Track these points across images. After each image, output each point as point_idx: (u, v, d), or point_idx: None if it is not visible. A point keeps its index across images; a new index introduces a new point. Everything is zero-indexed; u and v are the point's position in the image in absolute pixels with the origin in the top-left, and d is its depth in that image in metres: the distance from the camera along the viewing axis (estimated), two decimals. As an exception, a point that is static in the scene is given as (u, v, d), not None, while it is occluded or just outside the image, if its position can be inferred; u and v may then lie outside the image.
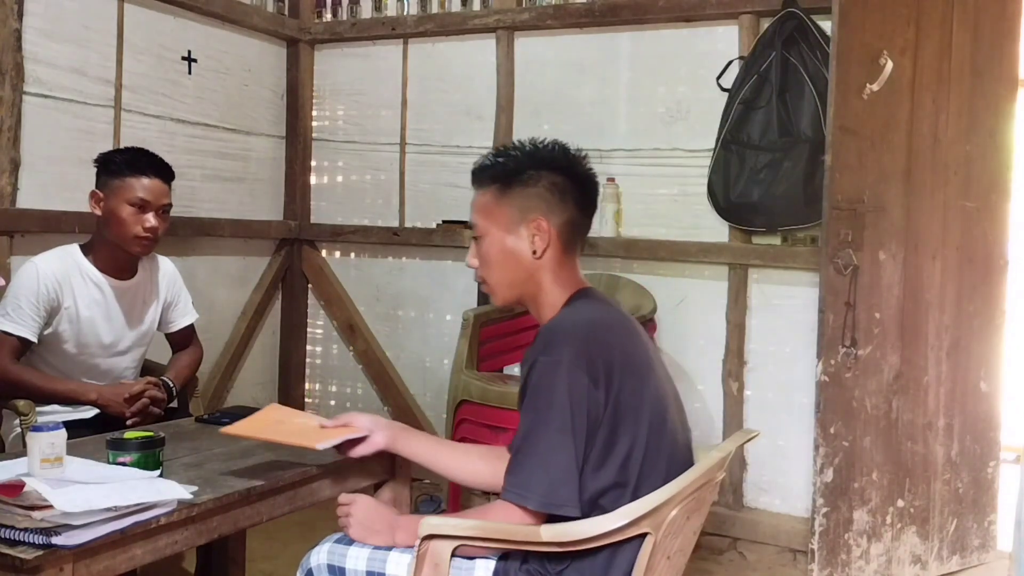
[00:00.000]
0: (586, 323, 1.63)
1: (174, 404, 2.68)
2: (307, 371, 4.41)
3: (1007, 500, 3.23)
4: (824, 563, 2.91)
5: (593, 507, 1.57)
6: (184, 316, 2.84)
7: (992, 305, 3.18)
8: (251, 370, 4.19)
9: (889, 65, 2.89)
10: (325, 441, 1.80)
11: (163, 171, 2.59)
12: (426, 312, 4.13)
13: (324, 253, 4.37)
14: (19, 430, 2.47)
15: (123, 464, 1.76)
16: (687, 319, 3.58)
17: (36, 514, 1.48)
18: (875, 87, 2.89)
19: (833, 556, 2.93)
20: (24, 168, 3.09)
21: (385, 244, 4.20)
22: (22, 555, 1.40)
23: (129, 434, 1.86)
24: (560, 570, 1.56)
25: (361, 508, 1.68)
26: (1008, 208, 3.20)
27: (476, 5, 3.96)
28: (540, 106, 3.86)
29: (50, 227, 3.11)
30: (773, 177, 3.29)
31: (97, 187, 2.56)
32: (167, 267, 2.79)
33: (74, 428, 2.07)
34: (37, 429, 1.70)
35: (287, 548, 3.14)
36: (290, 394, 4.33)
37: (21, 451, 1.96)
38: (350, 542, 1.67)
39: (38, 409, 2.44)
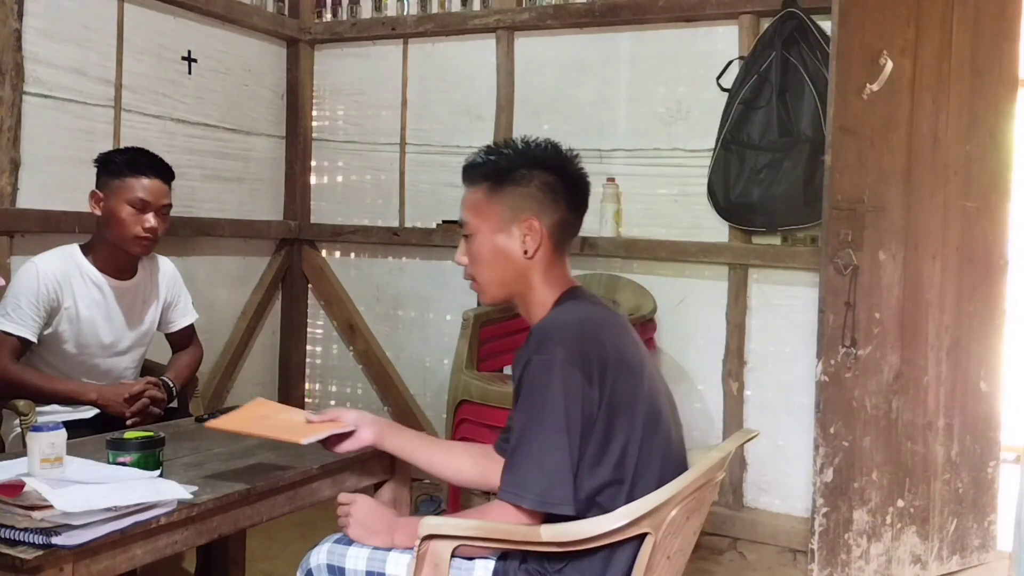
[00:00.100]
0: (578, 321, 1.63)
1: (174, 404, 2.69)
2: (307, 371, 4.41)
3: (1007, 500, 3.23)
4: (824, 563, 2.91)
5: (590, 505, 1.57)
6: (184, 316, 2.84)
7: (992, 305, 3.18)
8: (251, 370, 4.19)
9: (889, 65, 2.90)
10: (311, 436, 1.77)
11: (163, 171, 2.58)
12: (426, 312, 4.13)
13: (324, 253, 4.37)
14: (19, 430, 2.47)
15: (123, 464, 1.76)
16: (687, 319, 3.58)
17: (36, 514, 1.48)
18: (875, 87, 2.89)
19: (833, 556, 2.93)
20: (24, 168, 3.09)
21: (385, 244, 4.20)
22: (22, 555, 1.40)
23: (129, 434, 1.86)
24: (559, 569, 1.56)
25: (361, 508, 1.68)
26: (1008, 208, 3.20)
27: (476, 5, 3.96)
28: (540, 106, 3.86)
29: (50, 227, 3.11)
30: (773, 177, 3.29)
31: (97, 187, 2.56)
32: (167, 267, 2.79)
33: (74, 428, 2.07)
34: (37, 429, 1.70)
35: (287, 548, 3.14)
36: (290, 394, 4.33)
37: (21, 451, 1.96)
38: (350, 542, 1.67)
39: (38, 409, 2.44)
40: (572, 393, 1.53)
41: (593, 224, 3.65)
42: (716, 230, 3.52)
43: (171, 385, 2.63)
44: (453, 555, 1.52)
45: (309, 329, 4.40)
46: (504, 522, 1.54)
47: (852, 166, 2.90)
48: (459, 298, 3.93)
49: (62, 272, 2.50)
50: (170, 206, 2.60)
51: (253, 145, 4.14)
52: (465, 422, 3.19)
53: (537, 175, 1.70)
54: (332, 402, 4.37)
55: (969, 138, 3.09)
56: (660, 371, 1.76)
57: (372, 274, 4.27)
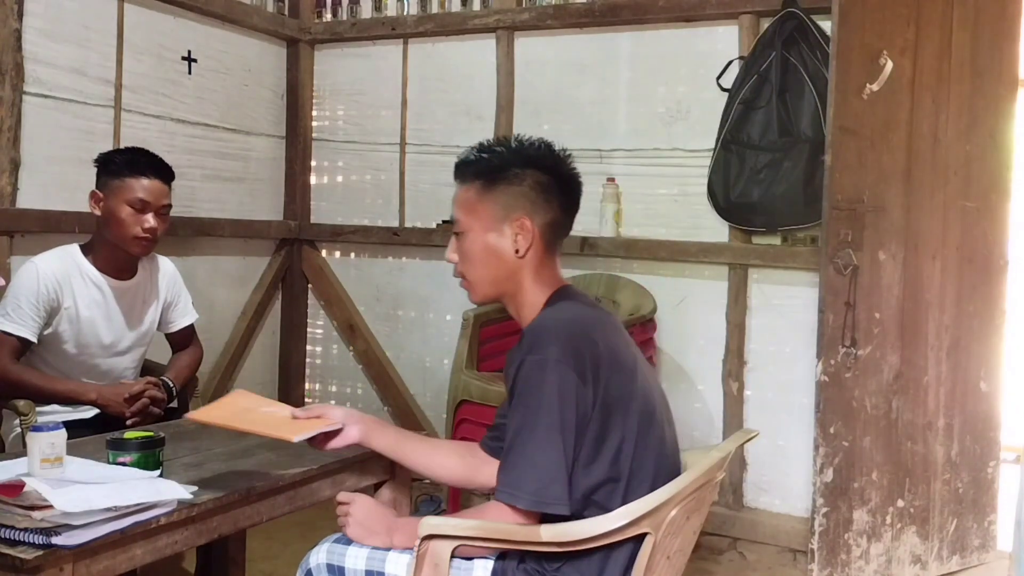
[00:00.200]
0: (570, 321, 1.63)
1: (174, 404, 2.68)
2: (307, 371, 4.41)
3: (1007, 500, 3.23)
4: (824, 563, 2.91)
5: (587, 503, 1.58)
6: (184, 316, 2.84)
7: (992, 305, 3.18)
8: (251, 370, 4.19)
9: (889, 65, 2.90)
10: (302, 434, 1.74)
11: (163, 172, 2.58)
12: (426, 312, 4.13)
13: (324, 253, 4.37)
14: (19, 430, 2.47)
15: (123, 464, 1.76)
16: (687, 319, 3.58)
17: (36, 514, 1.48)
18: (875, 87, 2.89)
19: (833, 556, 2.93)
20: (24, 168, 3.09)
21: (385, 244, 4.20)
22: (22, 555, 1.39)
23: (129, 434, 1.86)
24: (556, 568, 1.56)
25: (360, 508, 1.67)
26: (1008, 208, 3.20)
27: (476, 5, 3.96)
28: (540, 106, 3.86)
29: (50, 227, 3.11)
30: (773, 177, 3.29)
31: (97, 187, 2.56)
32: (167, 267, 2.79)
33: (74, 428, 2.07)
34: (37, 429, 1.70)
35: (287, 548, 3.14)
36: (290, 394, 4.33)
37: (21, 451, 1.96)
38: (349, 542, 1.67)
39: (38, 409, 2.44)
40: (566, 392, 1.53)
41: (593, 224, 3.65)
42: (716, 230, 3.52)
43: (171, 385, 2.63)
44: (453, 555, 1.52)
45: (309, 329, 4.40)
46: (502, 522, 1.54)
47: (852, 166, 2.90)
48: (459, 298, 3.89)
49: (62, 272, 2.50)
50: (170, 206, 2.60)
51: (253, 145, 4.14)
52: (465, 422, 3.19)
53: (530, 174, 1.69)
54: (332, 402, 4.36)
55: (969, 138, 3.09)
56: (652, 370, 1.76)
57: (372, 274, 4.27)
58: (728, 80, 3.45)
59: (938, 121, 3.04)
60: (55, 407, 2.51)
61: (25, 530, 1.43)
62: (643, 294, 3.45)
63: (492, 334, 3.41)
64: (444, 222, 3.96)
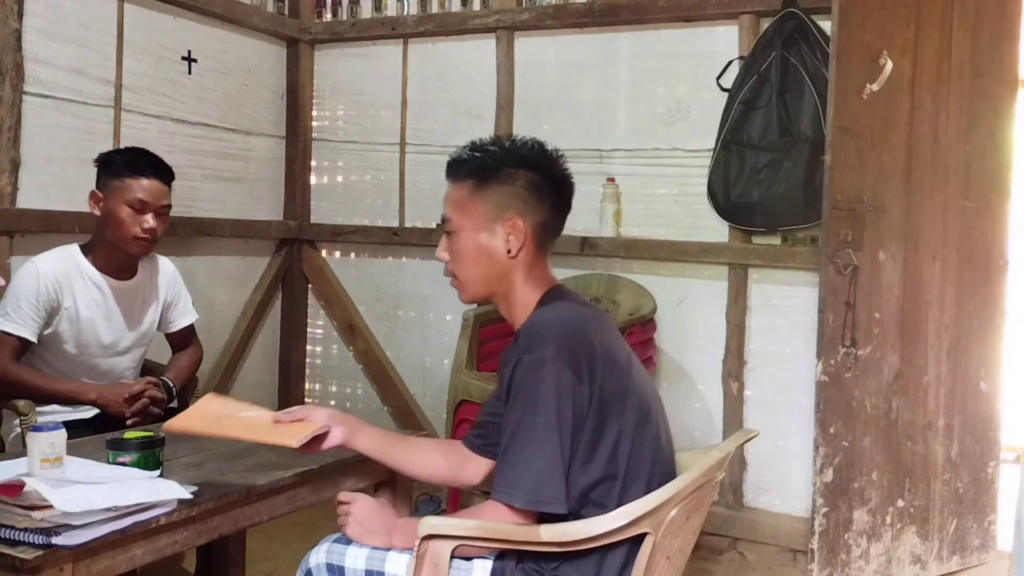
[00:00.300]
0: (566, 320, 1.63)
1: (174, 404, 2.68)
2: (307, 371, 4.41)
3: (1007, 500, 3.23)
4: (824, 563, 2.91)
5: (584, 502, 1.58)
6: (184, 316, 2.84)
7: (992, 305, 3.18)
8: (251, 370, 4.19)
9: (889, 65, 2.90)
10: (301, 437, 1.71)
11: (162, 172, 2.58)
12: (426, 312, 4.13)
13: (324, 253, 4.37)
14: (19, 430, 2.47)
15: (123, 464, 1.76)
16: (687, 319, 3.58)
17: (36, 514, 1.48)
18: (875, 87, 2.89)
19: (833, 556, 2.93)
20: (24, 168, 3.09)
21: (385, 244, 4.20)
22: (22, 555, 1.40)
23: (129, 434, 1.86)
24: (554, 567, 1.57)
25: (360, 508, 1.67)
26: (1008, 208, 3.20)
27: (476, 5, 3.96)
28: (540, 106, 3.86)
29: (50, 227, 3.11)
30: (773, 177, 3.29)
31: (97, 187, 2.56)
32: (167, 267, 2.79)
33: (74, 428, 2.07)
34: (37, 429, 1.70)
35: (287, 548, 3.14)
36: (290, 394, 4.33)
37: (21, 451, 1.97)
38: (349, 541, 1.66)
39: (38, 409, 2.44)
40: (563, 391, 1.54)
41: (593, 224, 3.65)
42: (716, 230, 3.52)
43: (171, 385, 2.64)
44: (452, 555, 1.52)
45: (309, 329, 4.40)
46: (499, 522, 1.54)
47: (852, 166, 2.90)
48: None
49: (62, 272, 2.50)
50: (169, 207, 2.60)
51: (253, 145, 4.14)
52: (465, 422, 3.18)
53: (523, 174, 1.69)
54: (332, 402, 4.36)
55: (969, 138, 3.09)
56: (645, 368, 1.77)
57: (372, 274, 4.27)
58: (728, 80, 3.45)
59: (938, 121, 3.04)
60: (55, 407, 2.51)
61: (25, 530, 1.43)
62: (643, 294, 3.45)
63: (492, 334, 3.42)
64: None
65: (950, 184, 3.07)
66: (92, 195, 2.56)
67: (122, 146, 3.26)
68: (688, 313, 3.58)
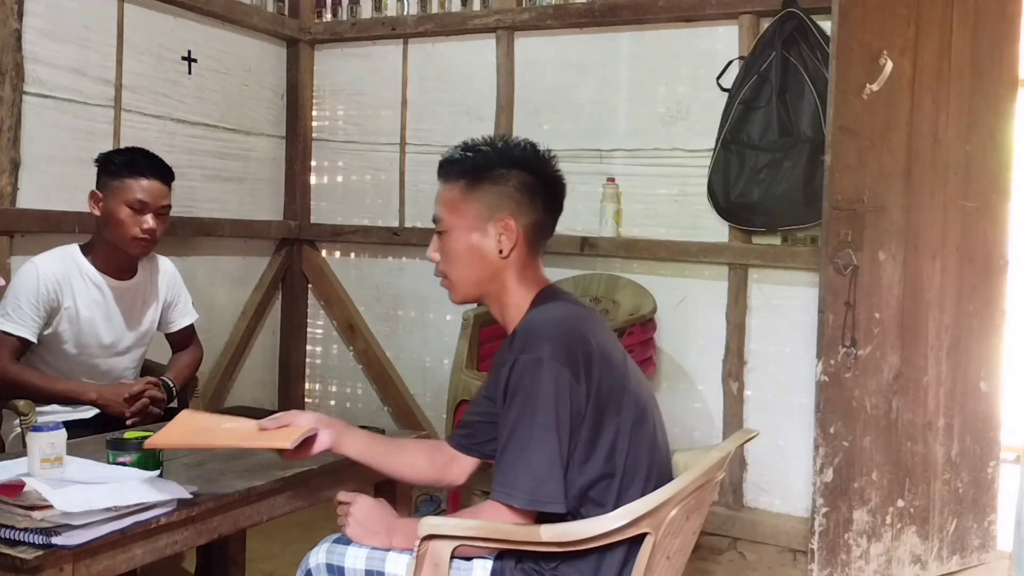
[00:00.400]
0: (562, 319, 1.63)
1: (174, 404, 2.69)
2: (307, 371, 4.41)
3: (1007, 500, 3.23)
4: (824, 563, 2.91)
5: (583, 501, 1.58)
6: (184, 316, 2.84)
7: (992, 305, 3.18)
8: (251, 370, 4.19)
9: (889, 65, 2.90)
10: (294, 438, 1.67)
11: (162, 172, 2.58)
12: (426, 312, 4.13)
13: (324, 253, 4.37)
14: (19, 430, 2.47)
15: (123, 464, 1.76)
16: (687, 319, 3.58)
17: (36, 514, 1.48)
18: (875, 87, 2.89)
19: (833, 556, 2.93)
20: (24, 168, 3.09)
21: (385, 244, 4.20)
22: (22, 555, 1.40)
23: (129, 434, 1.86)
24: (554, 567, 1.57)
25: (360, 508, 1.67)
26: (1008, 208, 3.20)
27: (476, 5, 3.96)
28: (540, 106, 3.86)
29: (50, 227, 3.11)
30: (773, 177, 3.29)
31: (97, 187, 2.56)
32: (167, 267, 2.79)
33: (74, 428, 2.07)
34: (37, 429, 1.70)
35: (287, 548, 3.14)
36: (290, 394, 4.33)
37: (21, 451, 1.97)
38: (349, 541, 1.66)
39: (38, 409, 2.44)
40: (561, 390, 1.54)
41: (593, 224, 3.66)
42: (716, 230, 3.52)
43: (171, 385, 2.64)
44: (452, 555, 1.52)
45: (309, 329, 4.40)
46: (498, 522, 1.54)
47: (852, 166, 2.90)
48: (459, 298, 3.93)
49: (62, 272, 2.50)
50: (169, 207, 2.60)
51: (253, 145, 4.14)
52: (465, 422, 3.18)
53: (515, 175, 1.69)
54: (332, 402, 4.37)
55: (969, 138, 3.09)
56: (639, 368, 1.77)
57: (372, 274, 4.27)
58: (728, 80, 3.45)
59: (938, 121, 3.04)
60: (55, 407, 2.51)
61: (25, 530, 1.43)
62: (643, 294, 3.45)
63: (492, 334, 3.41)
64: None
65: (950, 184, 3.07)
66: (92, 195, 2.56)
67: (122, 146, 3.26)
68: (688, 313, 3.58)
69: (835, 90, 2.86)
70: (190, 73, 3.76)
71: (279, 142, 4.30)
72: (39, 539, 1.42)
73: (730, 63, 3.46)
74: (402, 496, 2.23)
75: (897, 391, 3.00)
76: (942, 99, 3.04)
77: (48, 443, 1.68)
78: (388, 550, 1.63)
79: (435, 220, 1.74)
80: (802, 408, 3.32)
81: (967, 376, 3.13)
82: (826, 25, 3.14)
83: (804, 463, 3.19)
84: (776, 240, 3.44)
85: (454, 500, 3.43)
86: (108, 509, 1.52)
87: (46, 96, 3.17)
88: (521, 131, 3.81)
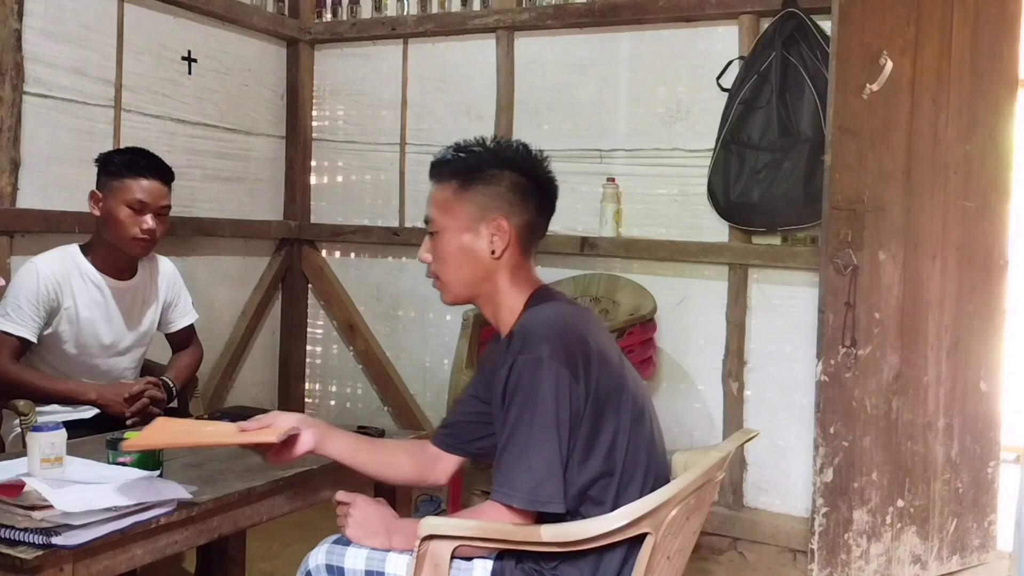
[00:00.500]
0: (559, 319, 1.63)
1: (174, 404, 2.69)
2: (307, 371, 4.41)
3: (1007, 500, 3.23)
4: (824, 563, 2.92)
5: (582, 499, 1.58)
6: (184, 316, 2.84)
7: (992, 305, 3.18)
8: (251, 370, 4.19)
9: (889, 65, 2.90)
10: (280, 434, 1.65)
11: (162, 172, 2.58)
12: (426, 312, 4.13)
13: (324, 253, 4.37)
14: (19, 430, 2.47)
15: (123, 464, 1.76)
16: (687, 319, 3.58)
17: (36, 514, 1.48)
18: (875, 87, 2.89)
19: (833, 556, 2.93)
20: (24, 168, 3.09)
21: (385, 244, 4.20)
22: (22, 555, 1.40)
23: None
24: (554, 566, 1.57)
25: (360, 509, 1.66)
26: (1008, 208, 3.20)
27: (476, 5, 3.96)
28: (540, 106, 3.86)
29: (50, 227, 3.10)
30: (773, 177, 3.29)
31: (97, 187, 2.56)
32: (167, 267, 2.79)
33: (74, 428, 2.07)
34: (37, 429, 1.70)
35: (287, 548, 3.14)
36: (290, 394, 4.33)
37: (21, 451, 1.97)
38: (348, 542, 1.66)
39: (38, 409, 2.44)
40: (561, 390, 1.54)
41: (593, 224, 3.66)
42: (716, 230, 3.52)
43: (171, 385, 2.63)
44: (452, 555, 1.52)
45: (309, 329, 4.40)
46: (498, 522, 1.54)
47: (852, 166, 2.90)
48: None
49: (62, 272, 2.50)
50: (169, 207, 2.60)
51: (253, 145, 4.14)
52: (465, 422, 3.18)
53: (507, 175, 1.69)
54: (332, 402, 4.37)
55: (969, 138, 3.09)
56: (635, 369, 1.77)
57: (372, 274, 4.27)
58: (728, 80, 3.45)
59: (938, 121, 3.04)
60: (55, 407, 2.51)
61: (25, 530, 1.43)
62: (643, 294, 3.45)
63: (492, 334, 3.40)
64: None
65: (950, 184, 3.07)
66: (92, 195, 2.56)
67: (122, 146, 3.26)
68: (688, 313, 3.58)
69: (835, 90, 2.86)
70: (190, 73, 3.76)
71: (279, 142, 4.30)
72: (39, 539, 1.42)
73: (730, 63, 3.46)
74: (402, 496, 2.23)
75: (897, 391, 3.00)
76: (942, 99, 3.04)
77: (48, 443, 1.69)
78: (388, 551, 1.63)
79: (427, 221, 1.74)
80: (802, 408, 3.32)
81: (967, 376, 3.13)
82: (826, 25, 3.14)
83: (804, 463, 3.19)
84: (776, 240, 3.44)
85: (454, 500, 3.43)
86: (108, 509, 1.52)
87: (46, 96, 3.17)
88: (521, 131, 3.82)
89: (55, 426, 1.72)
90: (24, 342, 2.46)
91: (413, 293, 4.15)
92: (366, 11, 4.21)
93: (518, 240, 1.70)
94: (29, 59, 3.09)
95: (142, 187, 2.51)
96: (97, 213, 2.54)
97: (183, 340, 2.86)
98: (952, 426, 3.11)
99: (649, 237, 3.62)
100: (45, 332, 2.50)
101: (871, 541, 2.98)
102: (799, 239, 3.38)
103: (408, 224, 4.13)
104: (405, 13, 4.10)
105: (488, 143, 1.73)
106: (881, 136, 2.94)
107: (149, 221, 2.51)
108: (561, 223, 3.67)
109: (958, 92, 3.07)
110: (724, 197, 3.40)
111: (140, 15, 3.51)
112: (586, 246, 3.64)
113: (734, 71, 3.44)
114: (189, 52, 3.74)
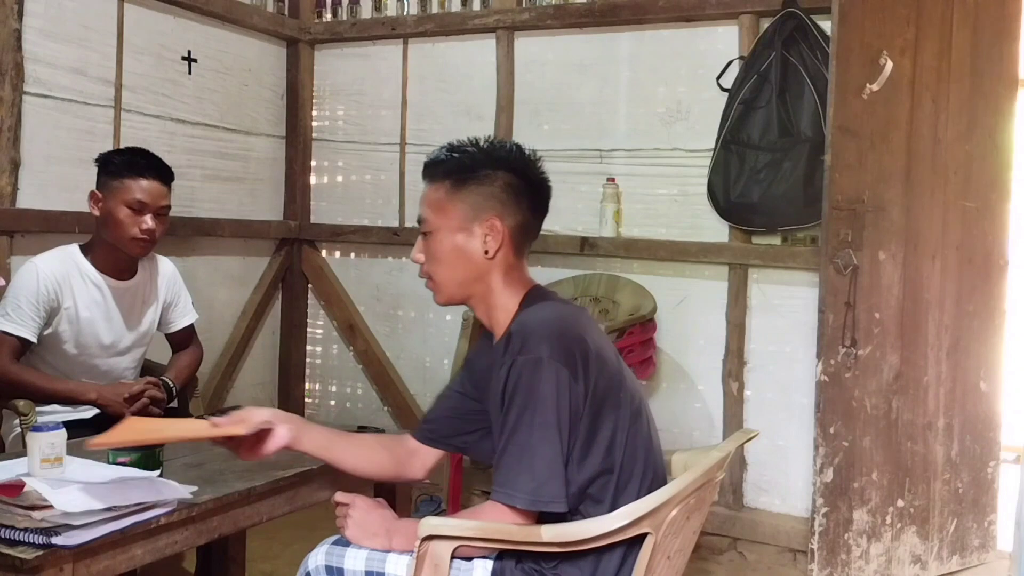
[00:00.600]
0: (557, 318, 1.63)
1: (174, 404, 2.69)
2: (307, 371, 4.41)
3: (1007, 500, 3.23)
4: (824, 563, 2.91)
5: (582, 498, 1.59)
6: (184, 316, 2.84)
7: (992, 305, 3.18)
8: (251, 370, 4.19)
9: (889, 65, 2.90)
10: (251, 426, 1.64)
11: (162, 173, 2.58)
12: (426, 312, 4.13)
13: (324, 253, 4.37)
14: (19, 430, 2.47)
15: (123, 464, 1.76)
16: (687, 319, 3.58)
17: (36, 514, 1.48)
18: (875, 87, 2.89)
19: (833, 556, 2.93)
20: (24, 168, 3.09)
21: (385, 244, 4.20)
22: (22, 555, 1.40)
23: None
24: (554, 566, 1.57)
25: (359, 509, 1.66)
26: (1008, 208, 3.20)
27: (476, 5, 3.96)
28: (540, 106, 3.86)
29: (50, 227, 3.10)
30: (773, 177, 3.29)
31: (97, 187, 2.56)
32: (167, 267, 2.79)
33: (74, 428, 2.07)
34: (37, 429, 1.70)
35: (287, 548, 3.14)
36: (290, 394, 4.33)
37: (21, 451, 1.97)
38: (348, 543, 1.66)
39: (38, 409, 2.44)
40: (561, 390, 1.54)
41: (593, 224, 3.66)
42: (716, 230, 3.52)
43: (171, 385, 2.64)
44: (452, 555, 1.52)
45: (309, 329, 4.40)
46: (499, 522, 1.54)
47: (852, 166, 2.90)
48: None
49: (62, 272, 2.50)
50: (169, 207, 2.60)
51: (253, 145, 4.14)
52: (465, 422, 3.18)
53: (501, 175, 1.69)
54: (332, 402, 4.37)
55: (969, 138, 3.09)
56: (630, 369, 1.78)
57: (372, 274, 4.27)
58: (728, 80, 3.45)
59: (938, 121, 3.04)
60: (55, 407, 2.51)
61: (25, 530, 1.43)
62: (643, 294, 3.45)
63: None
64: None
65: (950, 184, 3.07)
66: (92, 195, 2.56)
67: (122, 146, 3.26)
68: (688, 313, 3.58)
69: (835, 90, 2.86)
70: (190, 73, 3.76)
71: (279, 142, 4.30)
72: (39, 539, 1.42)
73: (730, 63, 3.46)
74: (402, 496, 2.23)
75: (897, 391, 3.00)
76: (942, 99, 3.04)
77: (48, 443, 1.69)
78: (388, 551, 1.63)
79: (420, 221, 1.74)
80: (802, 408, 3.32)
81: (967, 376, 3.13)
82: (826, 25, 3.14)
83: (804, 463, 3.19)
84: (776, 240, 3.44)
85: (454, 500, 3.43)
86: (108, 509, 1.52)
87: (46, 96, 3.17)
88: (521, 131, 3.82)
89: (55, 426, 1.72)
90: (24, 342, 2.46)
91: (413, 293, 4.15)
92: (366, 11, 4.21)
93: (511, 240, 1.70)
94: (29, 59, 3.09)
95: (142, 187, 2.51)
96: (97, 213, 2.54)
97: (183, 340, 2.86)
98: (952, 426, 3.11)
99: (649, 237, 3.62)
100: (45, 332, 2.50)
101: (871, 541, 2.98)
102: (799, 239, 3.38)
103: (408, 224, 4.13)
104: (405, 13, 4.10)
105: (481, 143, 1.73)
106: (881, 136, 2.94)
107: (149, 221, 2.51)
108: (561, 223, 3.67)
109: (958, 92, 3.07)
110: (724, 197, 3.40)
111: (140, 15, 3.51)
112: (586, 246, 3.64)
113: (734, 71, 3.44)
114: (189, 52, 3.74)
